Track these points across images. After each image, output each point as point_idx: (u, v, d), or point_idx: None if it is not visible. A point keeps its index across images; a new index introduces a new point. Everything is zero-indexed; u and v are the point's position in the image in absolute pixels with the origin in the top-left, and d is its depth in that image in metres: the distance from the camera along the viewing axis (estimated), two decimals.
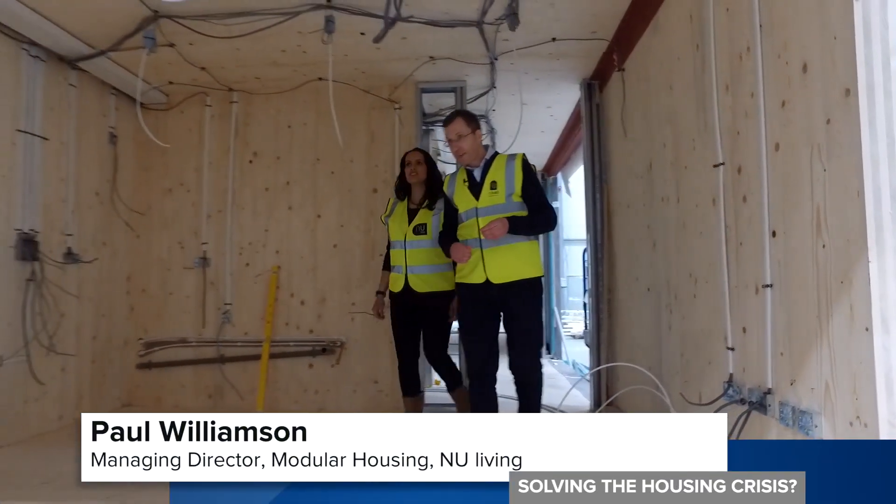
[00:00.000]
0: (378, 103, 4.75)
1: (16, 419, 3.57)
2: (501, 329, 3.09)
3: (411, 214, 3.49)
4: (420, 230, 3.43)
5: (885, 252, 1.47)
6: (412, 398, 3.56)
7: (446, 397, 4.75)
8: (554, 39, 3.94)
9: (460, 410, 3.50)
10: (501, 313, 2.99)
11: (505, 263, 2.87)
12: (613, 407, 4.15)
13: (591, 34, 3.88)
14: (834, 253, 1.66)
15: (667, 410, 3.05)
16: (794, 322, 1.89)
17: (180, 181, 4.88)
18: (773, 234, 2.01)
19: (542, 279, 3.01)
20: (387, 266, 3.61)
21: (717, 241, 2.42)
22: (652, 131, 3.39)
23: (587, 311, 4.70)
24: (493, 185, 2.92)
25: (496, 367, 3.01)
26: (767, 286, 2.03)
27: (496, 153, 3.08)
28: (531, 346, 3.00)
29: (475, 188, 2.96)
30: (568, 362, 7.15)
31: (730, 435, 2.21)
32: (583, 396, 4.97)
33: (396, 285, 3.45)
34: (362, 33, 3.72)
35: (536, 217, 2.95)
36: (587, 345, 5.17)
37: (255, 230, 4.83)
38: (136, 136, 4.72)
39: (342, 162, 4.73)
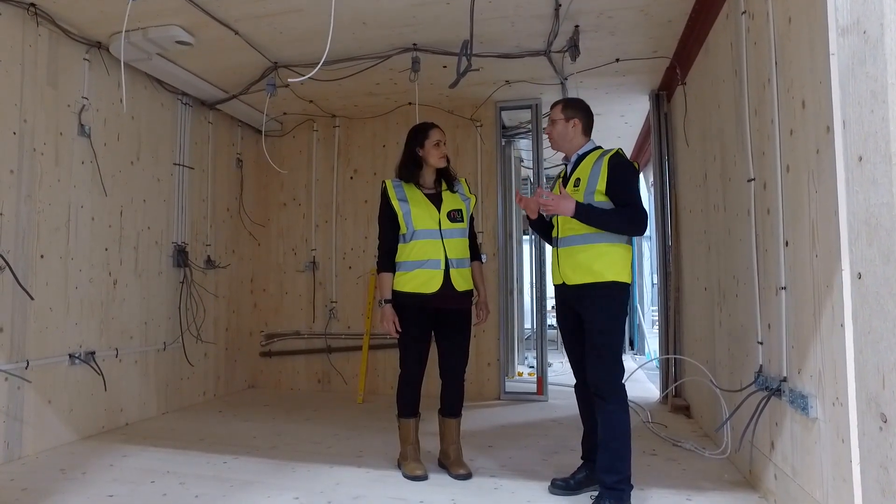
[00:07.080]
0: (461, 122, 5.06)
1: (175, 392, 4.36)
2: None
3: (434, 198, 2.93)
4: (456, 217, 2.90)
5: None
6: (417, 419, 3.01)
7: (531, 387, 5.14)
8: (618, 60, 4.13)
9: (450, 438, 3.03)
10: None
11: (577, 264, 2.58)
12: (679, 398, 4.43)
13: (653, 53, 4.04)
14: (822, 262, 1.93)
15: (716, 398, 3.34)
16: (799, 320, 2.14)
17: (293, 196, 5.45)
18: (786, 243, 2.24)
19: (627, 286, 2.56)
20: (388, 267, 2.91)
21: (750, 248, 2.62)
22: (706, 144, 3.56)
23: (658, 308, 4.94)
24: (577, 182, 2.62)
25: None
26: (783, 289, 2.26)
27: (595, 148, 2.71)
28: (600, 360, 2.52)
29: (565, 183, 2.69)
30: (649, 357, 7.33)
31: (750, 418, 2.52)
32: (654, 388, 5.24)
33: (429, 285, 2.82)
34: (444, 66, 4.14)
35: (615, 212, 2.53)
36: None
37: (356, 238, 5.28)
38: (257, 159, 5.38)
39: None
